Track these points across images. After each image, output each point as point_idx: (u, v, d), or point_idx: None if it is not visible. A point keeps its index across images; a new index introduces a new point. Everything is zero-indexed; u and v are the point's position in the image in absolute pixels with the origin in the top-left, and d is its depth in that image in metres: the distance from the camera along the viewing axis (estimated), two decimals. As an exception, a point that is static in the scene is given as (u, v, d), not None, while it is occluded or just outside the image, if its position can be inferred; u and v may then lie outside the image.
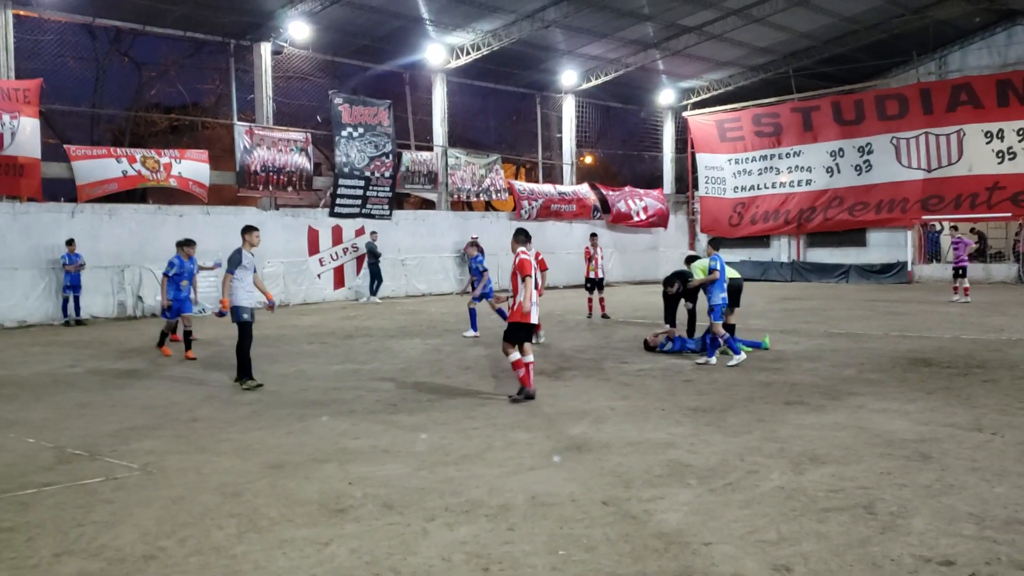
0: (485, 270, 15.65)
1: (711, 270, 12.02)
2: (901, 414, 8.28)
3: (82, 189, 20.14)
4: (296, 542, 5.08)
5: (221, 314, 10.77)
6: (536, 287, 9.58)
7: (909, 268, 29.47)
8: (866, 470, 6.33)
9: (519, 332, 9.45)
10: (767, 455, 6.82)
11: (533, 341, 13.30)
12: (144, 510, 5.72)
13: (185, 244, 13.86)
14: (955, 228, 24.39)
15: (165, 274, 13.52)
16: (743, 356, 11.72)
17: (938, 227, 30.88)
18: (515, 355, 9.36)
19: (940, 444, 7.05)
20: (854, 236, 31.27)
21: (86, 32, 23.56)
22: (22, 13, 19.84)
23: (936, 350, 12.60)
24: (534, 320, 9.55)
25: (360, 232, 25.19)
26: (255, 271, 10.81)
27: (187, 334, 13.44)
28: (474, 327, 15.45)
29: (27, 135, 19.18)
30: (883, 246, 30.61)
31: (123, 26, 22.90)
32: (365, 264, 25.13)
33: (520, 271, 9.40)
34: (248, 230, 10.73)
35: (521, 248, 9.54)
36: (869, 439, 7.28)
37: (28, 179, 19.29)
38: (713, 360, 11.69)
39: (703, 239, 34.83)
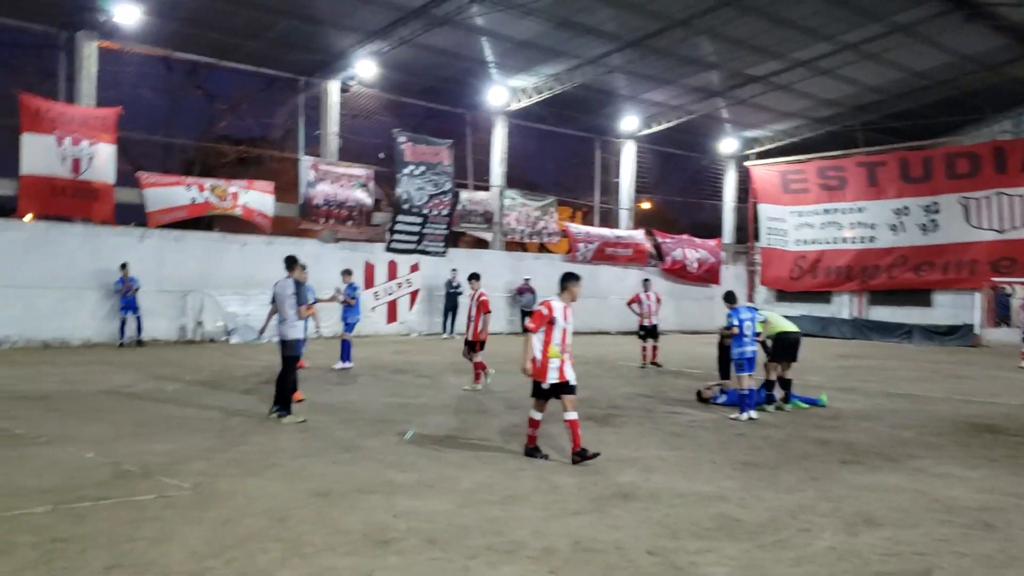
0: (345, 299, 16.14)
1: (728, 326, 11.78)
2: (962, 480, 8.00)
3: (152, 215, 20.78)
4: (338, 570, 5.09)
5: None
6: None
7: (976, 331, 28.58)
8: (924, 535, 6.12)
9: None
10: (820, 514, 6.64)
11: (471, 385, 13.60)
12: (192, 529, 5.79)
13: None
14: None
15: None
16: (754, 416, 11.39)
17: (1008, 290, 29.96)
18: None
19: (1004, 514, 6.78)
20: (918, 295, 30.50)
21: (164, 64, 24.44)
22: (106, 45, 20.71)
23: (1002, 417, 12.17)
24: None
25: (415, 268, 25.44)
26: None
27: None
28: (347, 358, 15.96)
29: (103, 161, 19.92)
30: (949, 307, 29.75)
31: (199, 60, 23.78)
32: (419, 299, 25.39)
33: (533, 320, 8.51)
34: (296, 262, 10.75)
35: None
36: (928, 504, 7.04)
37: (101, 203, 19.98)
38: (745, 417, 11.37)
39: (762, 291, 34.42)
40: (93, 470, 7.48)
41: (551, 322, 8.40)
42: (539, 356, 8.37)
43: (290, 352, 10.49)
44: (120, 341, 19.38)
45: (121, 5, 19.11)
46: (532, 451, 8.56)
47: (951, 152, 29.57)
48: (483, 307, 13.55)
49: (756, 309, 12.53)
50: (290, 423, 10.11)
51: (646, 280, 19.88)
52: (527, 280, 27.18)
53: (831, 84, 28.23)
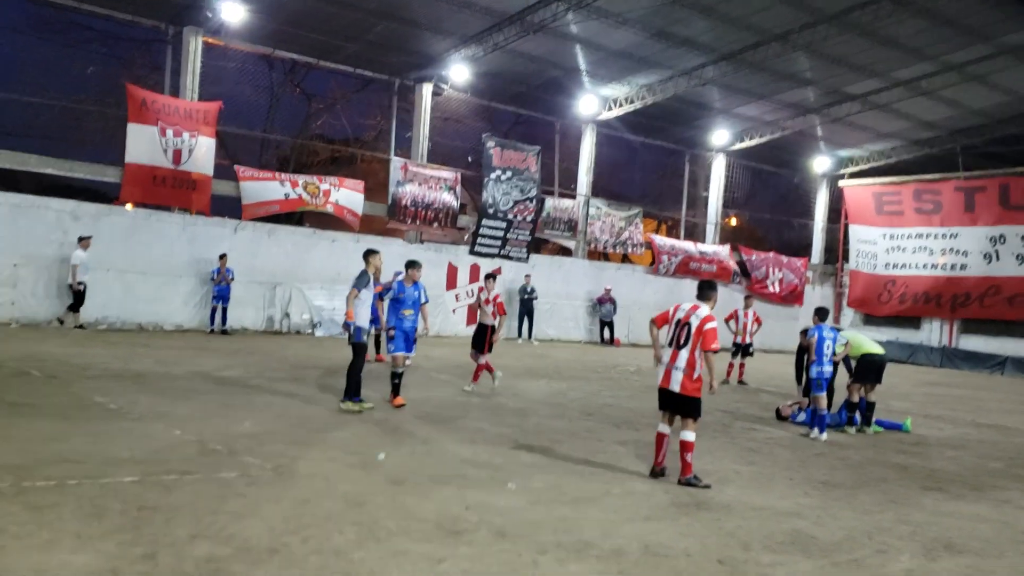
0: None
1: (808, 340, 11.64)
2: (1053, 515, 7.69)
3: (246, 208, 21.47)
4: (411, 555, 5.21)
5: (348, 326, 10.51)
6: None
7: (1075, 366, 27.28)
8: (1007, 566, 5.92)
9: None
10: (898, 537, 6.48)
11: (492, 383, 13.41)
12: (273, 507, 6.00)
13: (410, 266, 11.89)
14: None
15: (380, 297, 11.54)
16: (825, 437, 11.19)
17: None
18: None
19: (1096, 551, 6.49)
20: (1013, 326, 29.20)
21: (265, 62, 25.25)
22: (211, 41, 21.55)
23: (1099, 454, 11.62)
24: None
25: (497, 272, 25.60)
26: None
27: (395, 376, 11.31)
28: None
29: (203, 153, 20.69)
30: (1047, 340, 28.50)
31: (299, 59, 24.50)
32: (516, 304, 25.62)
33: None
34: (371, 253, 10.95)
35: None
36: (1013, 535, 6.80)
37: (199, 194, 20.75)
38: (823, 437, 11.17)
39: (849, 313, 33.52)
40: (180, 446, 7.81)
41: None
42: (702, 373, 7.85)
43: (353, 339, 10.63)
44: (210, 328, 20.08)
45: (227, 3, 19.84)
46: (692, 480, 7.74)
47: (1056, 180, 28.28)
48: (500, 309, 13.61)
49: (838, 330, 12.33)
50: (347, 409, 10.39)
51: (748, 297, 19.60)
52: (608, 290, 27.11)
53: (932, 105, 27.34)
